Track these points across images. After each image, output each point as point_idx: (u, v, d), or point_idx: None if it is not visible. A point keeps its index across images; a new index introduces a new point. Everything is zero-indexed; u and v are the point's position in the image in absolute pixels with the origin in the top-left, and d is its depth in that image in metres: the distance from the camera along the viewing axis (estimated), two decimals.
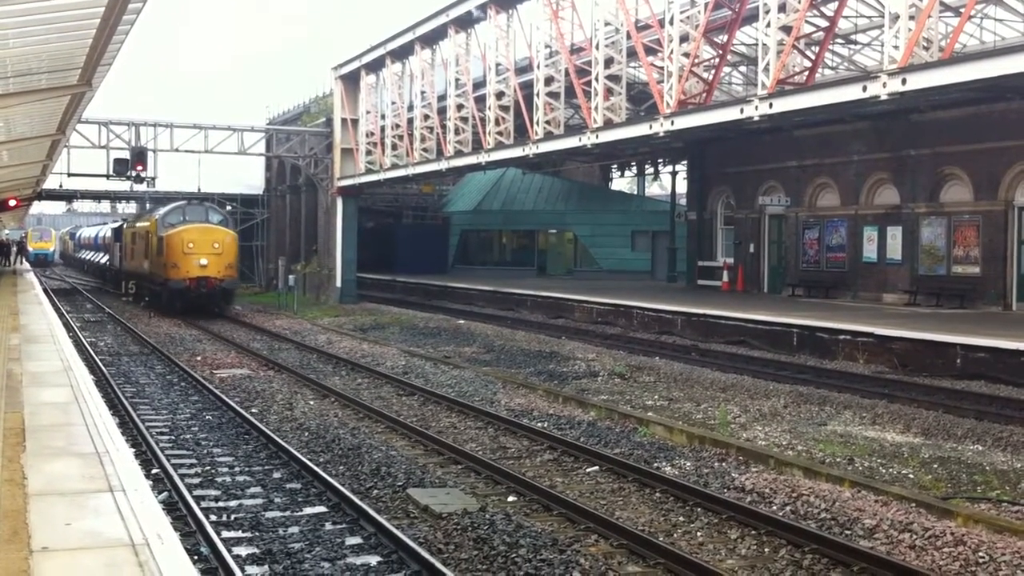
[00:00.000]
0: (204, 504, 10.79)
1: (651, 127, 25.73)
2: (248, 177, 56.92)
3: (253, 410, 16.71)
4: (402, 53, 39.23)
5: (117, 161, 40.35)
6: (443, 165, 36.48)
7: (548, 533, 9.82)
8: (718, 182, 39.18)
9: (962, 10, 23.06)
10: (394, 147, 40.31)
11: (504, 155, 33.16)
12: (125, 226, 47.21)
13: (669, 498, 11.26)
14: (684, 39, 24.94)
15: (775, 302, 30.86)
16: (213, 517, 10.32)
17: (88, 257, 71.42)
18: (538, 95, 30.50)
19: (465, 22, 34.26)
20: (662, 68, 25.92)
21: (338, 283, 43.08)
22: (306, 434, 14.82)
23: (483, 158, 33.67)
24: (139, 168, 39.91)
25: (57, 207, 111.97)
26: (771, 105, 21.91)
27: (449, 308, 38.31)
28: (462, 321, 32.44)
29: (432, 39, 36.84)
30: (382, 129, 41.52)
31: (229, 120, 43.34)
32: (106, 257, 57.37)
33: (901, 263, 30.28)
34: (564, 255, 55.01)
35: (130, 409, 16.07)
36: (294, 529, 10.07)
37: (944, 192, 29.28)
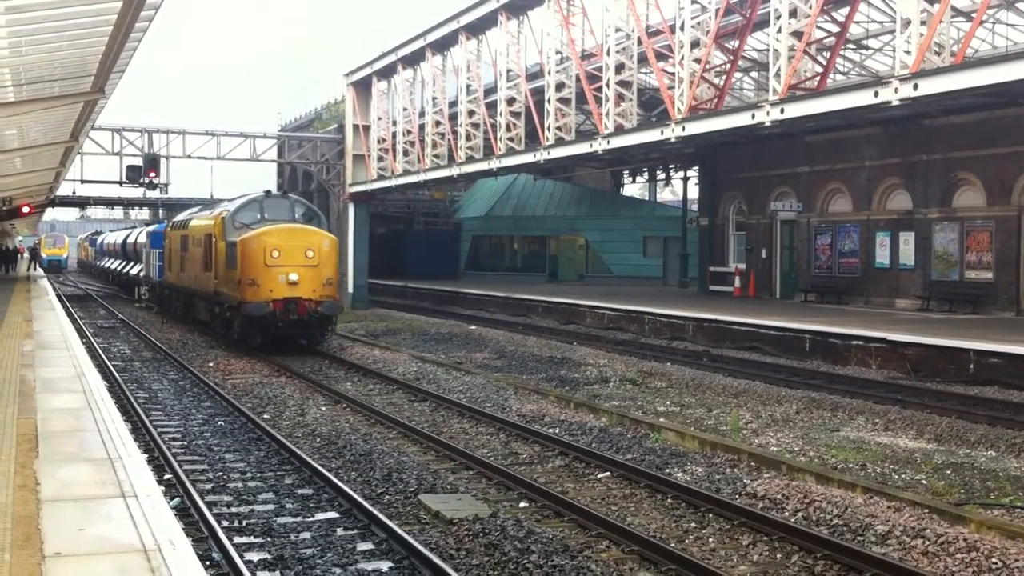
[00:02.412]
0: (216, 510, 10.80)
1: (662, 133, 25.74)
2: (260, 183, 57.25)
3: (265, 416, 16.73)
4: (413, 59, 39.35)
5: (130, 168, 40.60)
6: (454, 171, 36.55)
7: (559, 539, 9.80)
8: (730, 187, 39.14)
9: (974, 15, 23.00)
10: (405, 153, 40.41)
11: (515, 161, 33.21)
12: (169, 227, 36.91)
13: (681, 504, 11.23)
14: (695, 45, 24.95)
15: (787, 308, 30.79)
16: (225, 523, 10.33)
17: (113, 266, 60.40)
18: (549, 101, 30.53)
19: (476, 28, 34.34)
20: (673, 74, 25.93)
21: (349, 289, 43.18)
22: (318, 440, 14.84)
23: (494, 164, 33.73)
24: (152, 175, 40.15)
25: (70, 213, 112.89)
26: (782, 111, 21.90)
27: (460, 314, 38.33)
28: (473, 327, 32.45)
29: (443, 45, 36.94)
30: (393, 135, 41.64)
31: (238, 123, 43.97)
32: (137, 267, 48.19)
33: (913, 268, 30.20)
34: (575, 261, 55.01)
35: (143, 415, 16.12)
36: (306, 535, 10.07)
37: (956, 197, 29.19)
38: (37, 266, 70.49)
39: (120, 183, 41.60)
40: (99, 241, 75.03)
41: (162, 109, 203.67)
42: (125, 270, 53.33)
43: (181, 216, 35.99)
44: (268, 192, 28.27)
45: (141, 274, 45.34)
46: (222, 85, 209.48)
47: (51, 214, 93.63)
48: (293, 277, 24.84)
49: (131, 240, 51.83)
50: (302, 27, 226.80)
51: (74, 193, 48.91)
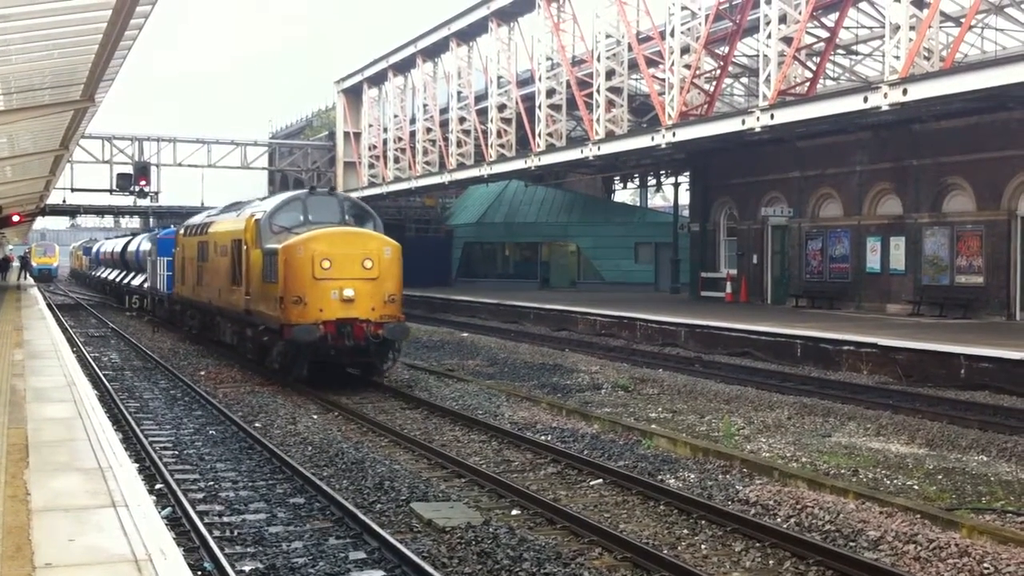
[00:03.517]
0: (207, 519, 10.77)
1: (653, 139, 25.80)
2: (251, 191, 57.19)
3: (256, 425, 16.69)
4: (404, 66, 39.39)
5: (120, 176, 40.61)
6: (446, 178, 36.58)
7: (552, 547, 9.79)
8: (721, 193, 39.22)
9: (962, 20, 23.09)
10: (396, 160, 40.42)
11: (506, 167, 33.25)
12: (182, 232, 31.59)
13: (673, 511, 11.23)
14: (685, 51, 25.01)
15: (779, 313, 30.83)
16: (216, 532, 10.30)
17: (111, 277, 54.90)
18: (540, 107, 30.58)
19: (467, 35, 34.38)
20: (663, 80, 26.00)
21: None
22: (309, 448, 14.80)
23: (485, 171, 33.76)
24: (142, 183, 40.14)
25: (61, 222, 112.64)
26: (772, 116, 21.97)
27: (452, 321, 38.30)
28: (465, 334, 32.43)
29: (434, 52, 36.99)
30: (384, 142, 41.67)
31: (230, 128, 44.39)
32: (139, 278, 43.25)
33: (904, 273, 30.28)
34: (567, 267, 55.08)
35: (133, 424, 16.06)
36: (297, 544, 10.04)
37: (947, 202, 29.29)
38: (27, 275, 70.26)
39: (110, 191, 41.63)
40: (95, 250, 69.99)
41: (156, 113, 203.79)
42: (125, 281, 47.80)
43: (196, 219, 31.42)
44: (312, 188, 23.73)
45: (146, 286, 40.52)
46: (219, 87, 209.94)
47: (41, 223, 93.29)
48: (348, 293, 20.08)
49: (132, 248, 46.20)
50: (302, 27, 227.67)
51: (64, 202, 48.84)
